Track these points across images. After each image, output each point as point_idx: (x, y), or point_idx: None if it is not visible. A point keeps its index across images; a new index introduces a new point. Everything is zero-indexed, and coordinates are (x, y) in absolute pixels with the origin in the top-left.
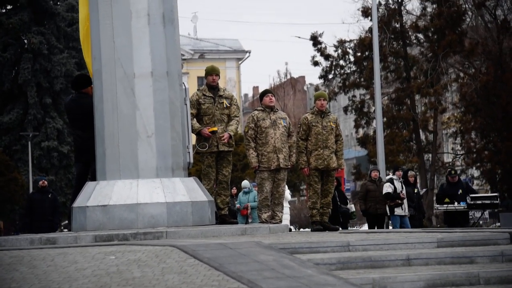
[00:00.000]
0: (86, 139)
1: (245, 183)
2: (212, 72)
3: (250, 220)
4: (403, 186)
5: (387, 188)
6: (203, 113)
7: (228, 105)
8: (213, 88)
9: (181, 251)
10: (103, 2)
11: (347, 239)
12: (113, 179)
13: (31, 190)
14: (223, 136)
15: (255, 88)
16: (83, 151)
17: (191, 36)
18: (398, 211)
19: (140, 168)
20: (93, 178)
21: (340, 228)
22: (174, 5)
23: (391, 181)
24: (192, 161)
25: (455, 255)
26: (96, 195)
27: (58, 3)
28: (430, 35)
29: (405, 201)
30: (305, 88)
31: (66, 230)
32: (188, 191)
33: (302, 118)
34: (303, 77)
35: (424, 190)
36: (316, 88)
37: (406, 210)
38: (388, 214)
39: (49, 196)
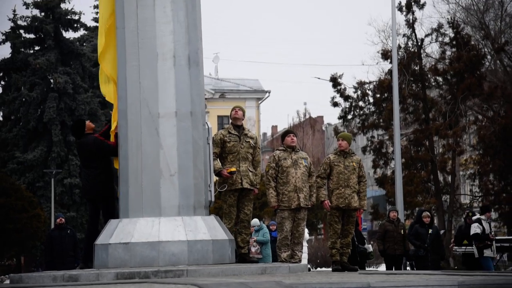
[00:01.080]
0: (91, 177)
1: (255, 221)
2: (237, 109)
3: (260, 257)
4: (491, 227)
5: (475, 229)
6: (228, 151)
7: (254, 145)
8: (238, 126)
9: None
10: (130, 45)
11: (367, 280)
12: (135, 217)
13: (52, 226)
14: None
15: (274, 128)
16: (87, 189)
17: (212, 76)
18: (487, 252)
19: (162, 206)
20: (105, 217)
21: (358, 268)
22: (199, 48)
23: (479, 221)
24: (213, 199)
25: None
26: (119, 232)
27: (84, 44)
28: (449, 78)
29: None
30: (323, 128)
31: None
32: (209, 229)
33: (325, 158)
34: (321, 117)
35: (442, 231)
36: (335, 129)
37: (495, 252)
38: (477, 256)
39: (68, 232)
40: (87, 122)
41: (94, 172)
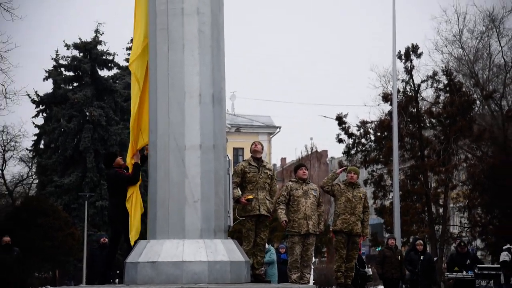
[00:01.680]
0: (113, 204)
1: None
2: (257, 143)
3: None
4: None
5: (504, 257)
6: (248, 181)
7: (271, 176)
8: (258, 159)
9: None
10: (161, 85)
11: None
12: (162, 239)
13: (85, 244)
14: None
15: (283, 159)
16: (111, 214)
17: (229, 112)
18: None
19: (186, 229)
20: (126, 239)
21: None
22: (222, 87)
23: (508, 250)
24: (232, 224)
25: None
26: (147, 252)
27: (117, 81)
28: (443, 120)
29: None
30: (327, 161)
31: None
32: (227, 251)
33: (336, 184)
34: (326, 151)
35: (435, 258)
36: (340, 162)
37: None
38: (503, 282)
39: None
40: (118, 159)
41: (116, 200)
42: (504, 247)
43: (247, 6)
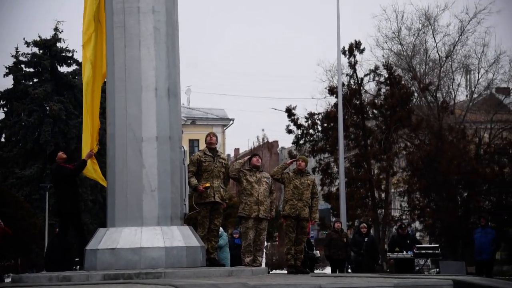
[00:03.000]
0: (57, 197)
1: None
2: (212, 135)
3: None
4: None
5: None
6: (203, 170)
7: (225, 164)
8: (212, 149)
9: None
10: (118, 78)
11: (319, 282)
12: (121, 226)
13: (46, 233)
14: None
15: (236, 150)
16: (56, 207)
17: (184, 106)
18: None
19: (144, 217)
20: (73, 230)
21: (309, 271)
22: (177, 81)
23: None
24: (187, 212)
25: None
26: (106, 239)
27: (76, 77)
28: (384, 111)
29: None
30: (278, 150)
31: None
32: (183, 237)
33: (285, 173)
34: (276, 142)
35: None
36: (290, 152)
37: None
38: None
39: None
40: (60, 153)
41: (60, 193)
42: None
43: (200, 2)
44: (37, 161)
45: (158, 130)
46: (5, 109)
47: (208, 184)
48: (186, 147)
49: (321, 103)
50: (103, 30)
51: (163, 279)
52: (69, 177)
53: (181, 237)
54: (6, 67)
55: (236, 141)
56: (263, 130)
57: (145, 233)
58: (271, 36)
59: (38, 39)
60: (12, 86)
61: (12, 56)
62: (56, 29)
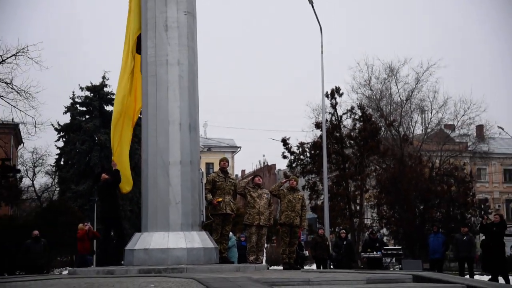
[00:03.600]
0: (103, 209)
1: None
2: (224, 160)
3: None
4: None
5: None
6: (217, 188)
7: (234, 183)
8: (225, 172)
9: (198, 282)
10: (151, 115)
11: (308, 276)
12: (152, 231)
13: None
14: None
15: (243, 171)
16: (101, 215)
17: (202, 136)
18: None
19: (170, 224)
20: (115, 233)
21: (300, 268)
22: (196, 118)
23: None
24: (204, 220)
25: None
26: (141, 241)
27: None
28: (358, 142)
29: None
30: (275, 172)
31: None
32: (201, 240)
33: (281, 189)
34: (274, 165)
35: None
36: (285, 173)
37: None
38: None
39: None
40: (103, 174)
41: (106, 204)
42: None
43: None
44: (87, 180)
45: (181, 156)
46: (64, 139)
47: (220, 199)
48: (203, 169)
49: (309, 135)
50: (135, 77)
51: (186, 273)
52: (113, 186)
53: (200, 240)
54: (65, 106)
55: (242, 164)
56: (263, 155)
57: (171, 237)
58: (270, 80)
59: (89, 85)
60: (69, 121)
61: (70, 98)
62: (103, 77)
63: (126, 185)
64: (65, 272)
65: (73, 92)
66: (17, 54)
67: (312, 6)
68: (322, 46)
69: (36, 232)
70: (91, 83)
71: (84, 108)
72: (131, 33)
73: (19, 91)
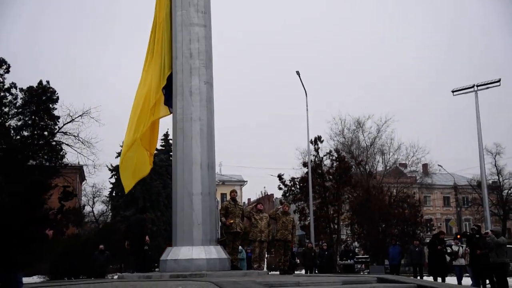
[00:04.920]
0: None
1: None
2: (234, 191)
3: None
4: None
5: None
6: (229, 212)
7: (242, 209)
8: (234, 200)
9: (215, 284)
10: (179, 158)
11: (298, 279)
12: (180, 246)
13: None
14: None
15: (249, 199)
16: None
17: (217, 173)
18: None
19: (194, 240)
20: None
21: (293, 273)
22: (214, 160)
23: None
24: (219, 237)
25: None
26: (172, 253)
27: (155, 158)
28: (335, 176)
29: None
30: (273, 200)
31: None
32: (217, 253)
33: (277, 213)
34: (272, 194)
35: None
36: (281, 200)
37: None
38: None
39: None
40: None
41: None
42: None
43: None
44: (132, 207)
45: (202, 188)
46: (115, 176)
47: (232, 221)
48: (218, 198)
49: (299, 172)
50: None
51: (205, 278)
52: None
53: (216, 252)
54: (116, 152)
55: (248, 194)
56: (264, 187)
57: (194, 250)
58: (269, 134)
59: None
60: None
61: (120, 146)
62: None
63: (132, 181)
64: (115, 277)
65: (122, 142)
66: (83, 115)
67: (299, 76)
68: (307, 105)
69: (101, 246)
70: None
71: None
72: (163, 70)
73: (83, 142)
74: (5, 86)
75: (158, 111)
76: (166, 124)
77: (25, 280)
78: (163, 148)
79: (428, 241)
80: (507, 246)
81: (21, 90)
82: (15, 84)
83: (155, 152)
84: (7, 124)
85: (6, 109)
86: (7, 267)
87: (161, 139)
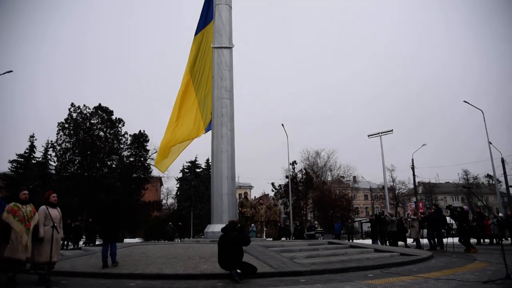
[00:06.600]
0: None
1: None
2: (246, 193)
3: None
4: None
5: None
6: (243, 205)
7: (251, 203)
8: (246, 198)
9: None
10: (215, 172)
11: (283, 243)
12: (215, 223)
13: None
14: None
15: (254, 197)
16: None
17: (237, 181)
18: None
19: (223, 220)
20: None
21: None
22: (234, 174)
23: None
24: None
25: (312, 249)
26: (211, 228)
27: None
28: (304, 184)
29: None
30: (269, 198)
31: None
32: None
33: (272, 204)
34: (267, 194)
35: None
36: (273, 198)
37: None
38: None
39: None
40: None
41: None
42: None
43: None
44: (188, 201)
45: (227, 190)
46: (178, 185)
47: (245, 210)
48: (237, 196)
49: (283, 181)
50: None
51: None
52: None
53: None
54: (180, 170)
55: (254, 194)
56: (263, 190)
57: (223, 225)
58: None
59: (192, 160)
60: (181, 175)
61: (185, 164)
62: (196, 157)
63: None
64: (178, 240)
65: (183, 165)
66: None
67: (283, 127)
68: (288, 145)
69: (170, 223)
70: (190, 161)
71: (188, 171)
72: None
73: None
74: (122, 133)
75: (200, 131)
76: (207, 154)
77: (129, 240)
78: (206, 167)
79: (354, 220)
80: (394, 221)
81: (130, 135)
82: (127, 131)
83: (203, 168)
84: (122, 154)
85: (122, 146)
86: (113, 238)
87: (205, 162)
